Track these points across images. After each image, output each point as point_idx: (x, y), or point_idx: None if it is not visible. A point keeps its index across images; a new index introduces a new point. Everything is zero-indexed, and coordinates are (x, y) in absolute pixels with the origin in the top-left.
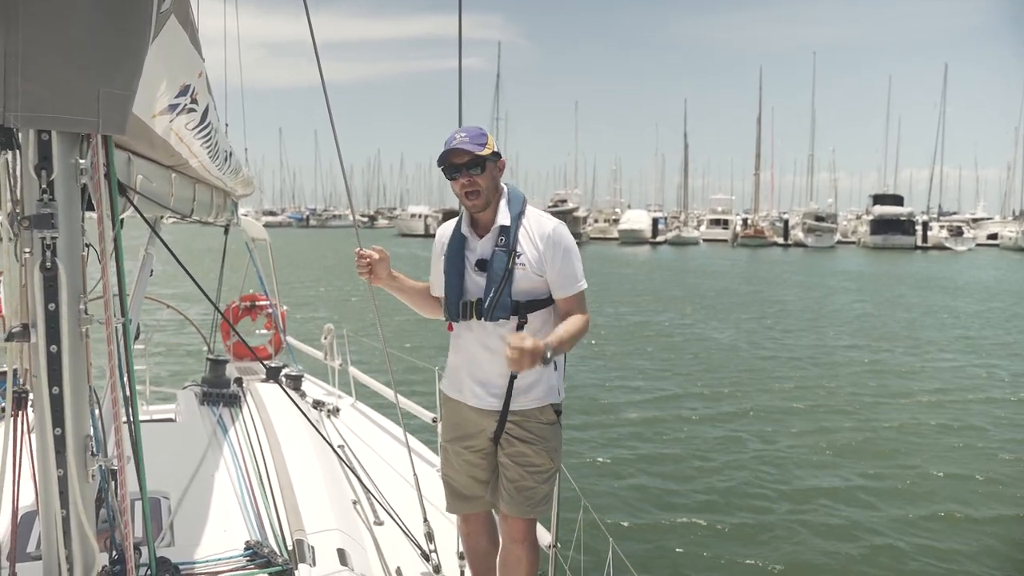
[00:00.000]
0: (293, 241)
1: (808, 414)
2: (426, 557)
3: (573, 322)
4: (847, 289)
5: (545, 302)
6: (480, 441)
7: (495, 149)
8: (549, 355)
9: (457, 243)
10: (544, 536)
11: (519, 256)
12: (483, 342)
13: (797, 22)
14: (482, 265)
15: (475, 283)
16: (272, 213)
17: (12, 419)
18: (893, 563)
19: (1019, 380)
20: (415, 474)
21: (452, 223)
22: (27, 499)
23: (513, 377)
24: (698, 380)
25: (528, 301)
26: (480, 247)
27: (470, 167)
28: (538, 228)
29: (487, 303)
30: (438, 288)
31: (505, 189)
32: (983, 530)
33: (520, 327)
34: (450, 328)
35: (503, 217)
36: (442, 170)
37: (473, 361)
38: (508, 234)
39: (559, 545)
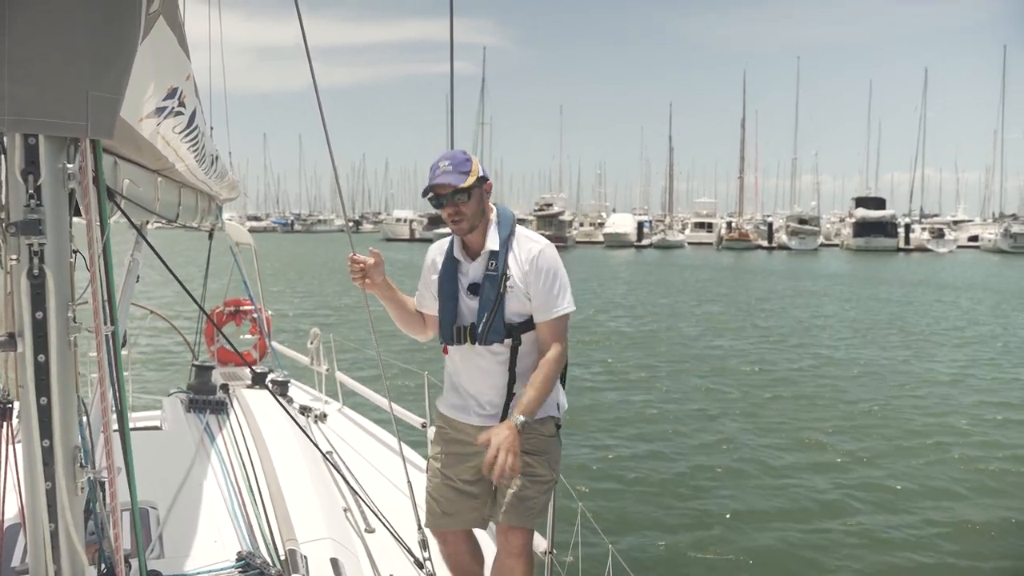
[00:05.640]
0: (280, 247)
1: (806, 417)
2: (420, 565)
3: (543, 368)
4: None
5: None
6: (479, 459)
7: (480, 174)
8: (521, 423)
9: (450, 267)
10: (540, 543)
11: (508, 280)
12: (478, 364)
13: (780, 24)
14: (474, 289)
15: (468, 307)
16: (256, 218)
17: None
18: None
19: None
20: (409, 481)
21: (445, 243)
22: (10, 511)
23: (510, 395)
24: (695, 384)
25: (521, 323)
26: (472, 271)
27: (456, 196)
28: (526, 251)
29: (480, 328)
30: (425, 304)
31: (495, 211)
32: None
33: (515, 349)
34: (445, 351)
35: (492, 242)
36: (429, 199)
37: (470, 382)
38: (497, 259)
39: (555, 551)
